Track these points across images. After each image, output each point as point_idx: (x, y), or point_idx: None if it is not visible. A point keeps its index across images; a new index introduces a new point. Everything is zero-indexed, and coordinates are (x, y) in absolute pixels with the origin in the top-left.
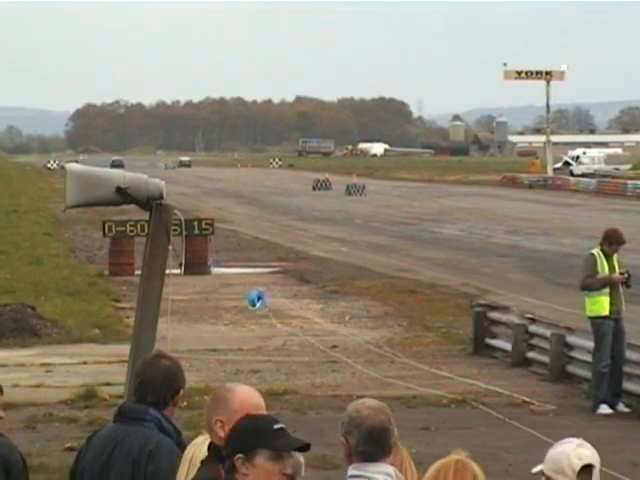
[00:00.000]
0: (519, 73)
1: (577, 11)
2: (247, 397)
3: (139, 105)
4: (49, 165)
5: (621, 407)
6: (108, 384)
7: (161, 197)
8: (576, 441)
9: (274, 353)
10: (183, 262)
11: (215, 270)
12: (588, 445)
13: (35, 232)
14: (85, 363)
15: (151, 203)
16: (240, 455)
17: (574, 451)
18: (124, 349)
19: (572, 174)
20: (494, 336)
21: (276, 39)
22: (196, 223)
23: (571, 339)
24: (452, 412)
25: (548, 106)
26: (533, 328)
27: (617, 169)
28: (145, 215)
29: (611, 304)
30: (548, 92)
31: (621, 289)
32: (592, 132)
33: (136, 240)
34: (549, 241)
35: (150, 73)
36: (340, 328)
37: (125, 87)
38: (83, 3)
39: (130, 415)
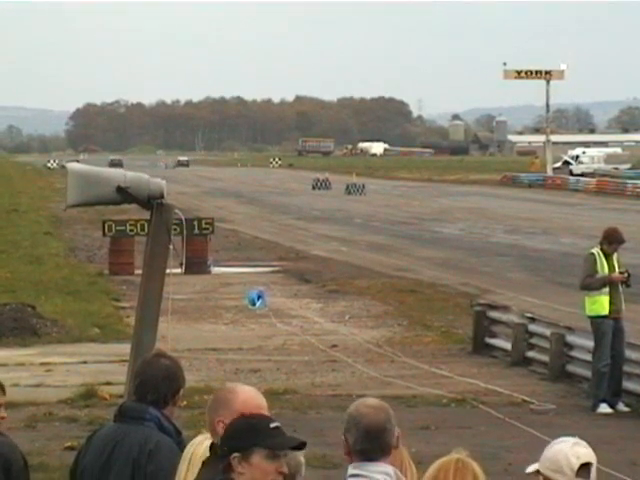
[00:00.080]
0: (519, 72)
1: (577, 11)
2: (249, 397)
3: (139, 105)
4: (49, 165)
5: (621, 406)
6: (108, 383)
7: (162, 196)
8: (572, 440)
9: (274, 352)
10: (184, 261)
11: (215, 269)
12: (584, 443)
13: (35, 231)
14: (85, 362)
15: (152, 202)
16: (236, 454)
17: (571, 450)
18: (124, 348)
19: (572, 173)
20: (494, 335)
21: (276, 39)
22: (196, 222)
23: (571, 338)
24: (452, 411)
25: (548, 105)
26: (533, 327)
27: (616, 168)
28: (145, 214)
29: (611, 303)
30: (548, 91)
31: (621, 288)
32: (592, 131)
33: (136, 239)
34: (549, 240)
35: (150, 73)
36: (340, 327)
37: (125, 87)
38: (83, 3)
39: (130, 414)
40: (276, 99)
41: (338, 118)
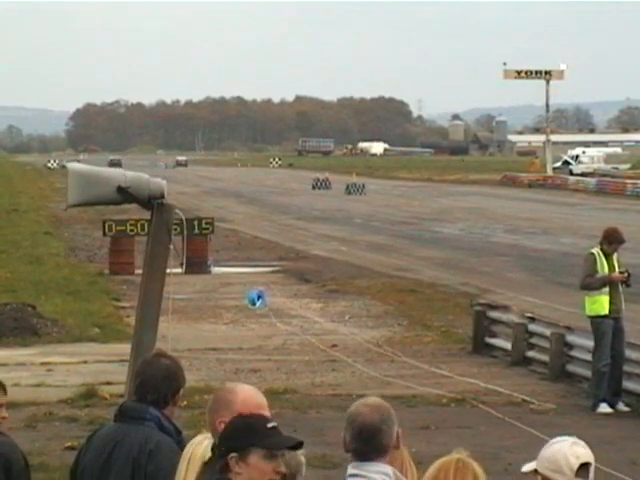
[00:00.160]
0: (519, 72)
1: (577, 11)
2: (249, 397)
3: (139, 105)
4: (49, 164)
5: (621, 406)
6: (108, 383)
7: (162, 196)
8: (570, 439)
9: (274, 352)
10: (184, 261)
11: (215, 269)
12: (582, 443)
13: (35, 231)
14: (85, 362)
15: (152, 202)
16: (234, 454)
17: (570, 449)
18: (124, 348)
19: (571, 173)
20: (494, 335)
21: (276, 39)
22: (196, 222)
23: (571, 338)
24: (452, 411)
25: (547, 105)
26: (533, 327)
27: (616, 168)
28: (145, 214)
29: (611, 303)
30: (547, 91)
31: (621, 288)
32: (591, 131)
33: (136, 239)
34: (549, 240)
35: (150, 73)
36: (340, 327)
37: (125, 87)
38: (83, 3)
39: (130, 414)
40: (276, 99)
41: (338, 118)
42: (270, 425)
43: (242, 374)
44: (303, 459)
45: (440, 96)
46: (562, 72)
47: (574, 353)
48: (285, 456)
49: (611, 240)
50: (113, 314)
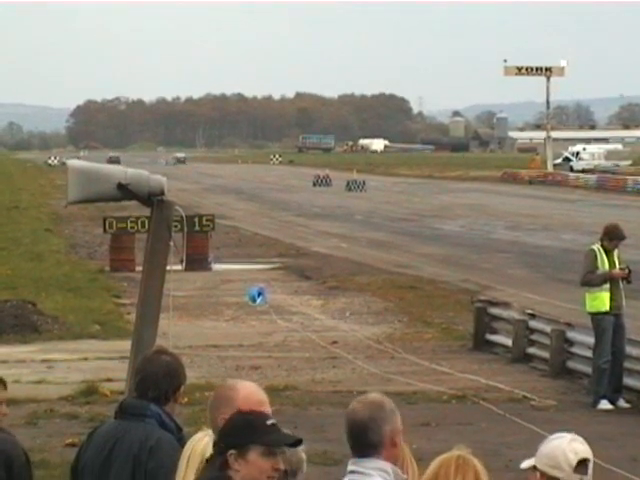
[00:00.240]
0: (519, 69)
1: (577, 7)
2: (250, 393)
3: (140, 101)
4: (50, 161)
5: (621, 403)
6: (109, 380)
7: (162, 193)
8: (569, 436)
9: (275, 349)
10: (184, 258)
11: (216, 266)
12: (581, 439)
13: (36, 228)
14: (86, 359)
15: (152, 199)
16: (233, 451)
17: (569, 446)
18: (125, 345)
19: (572, 170)
20: (494, 332)
21: (276, 35)
22: (197, 219)
23: (571, 335)
24: (453, 408)
25: (548, 102)
26: (533, 324)
27: (617, 165)
28: (146, 211)
29: (611, 300)
30: (548, 88)
31: (621, 285)
32: (592, 128)
33: (137, 236)
34: (549, 237)
35: (150, 69)
36: (340, 324)
37: (125, 83)
38: (83, 1)
39: (131, 411)
40: (276, 96)
41: (339, 115)
42: (269, 422)
43: (243, 371)
44: (304, 456)
45: (441, 93)
46: (563, 69)
47: (575, 350)
48: (286, 453)
49: (612, 236)
50: (113, 311)
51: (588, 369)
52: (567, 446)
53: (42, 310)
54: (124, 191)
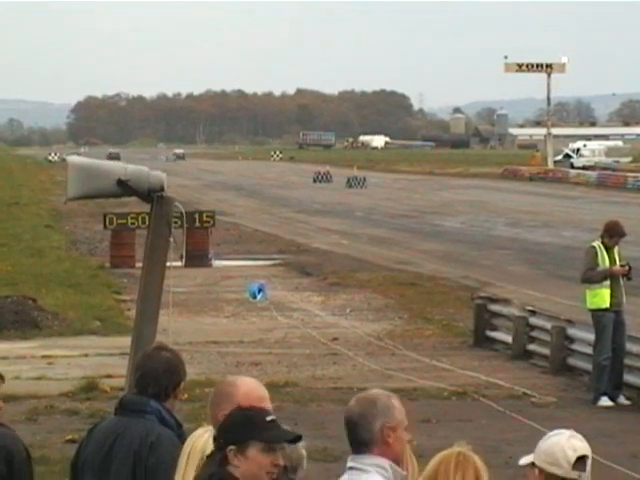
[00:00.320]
0: (520, 66)
1: (578, 4)
2: (250, 389)
3: (140, 98)
4: (50, 157)
5: (622, 400)
6: (109, 376)
7: (162, 189)
8: (567, 432)
9: (275, 345)
10: (184, 254)
11: (216, 262)
12: (580, 436)
13: (36, 224)
14: (86, 355)
15: (152, 195)
16: (232, 447)
17: (568, 442)
18: (125, 341)
19: (572, 167)
20: (495, 328)
21: (277, 32)
22: (197, 215)
23: (572, 331)
24: (453, 404)
25: (549, 99)
26: (534, 320)
27: (617, 162)
28: (146, 207)
29: (612, 297)
30: (549, 85)
31: (622, 281)
32: (592, 125)
33: (137, 232)
34: (550, 234)
35: (151, 66)
36: (341, 320)
37: (126, 80)
38: None
39: (131, 407)
40: (277, 92)
41: (339, 111)
42: (269, 418)
43: (243, 367)
44: (304, 452)
45: (441, 89)
46: (563, 65)
47: (575, 346)
48: (286, 449)
49: (612, 233)
50: (114, 307)
51: (588, 366)
52: (566, 443)
53: (42, 306)
54: (124, 187)
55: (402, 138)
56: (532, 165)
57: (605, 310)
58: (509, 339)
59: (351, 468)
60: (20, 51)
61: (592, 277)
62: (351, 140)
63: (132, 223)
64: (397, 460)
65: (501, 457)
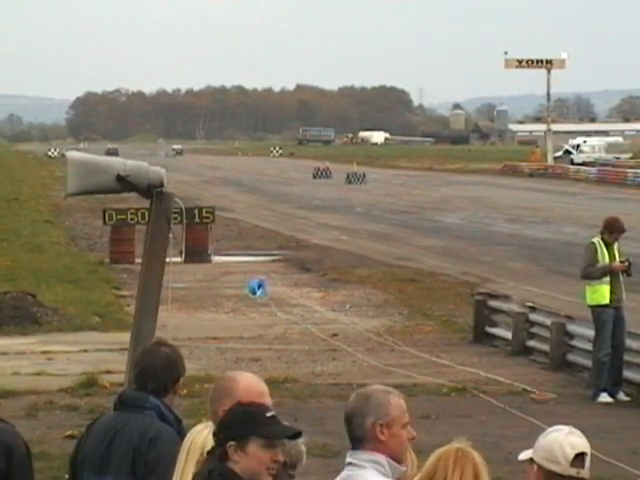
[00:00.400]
0: (520, 62)
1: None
2: (250, 385)
3: (140, 93)
4: (50, 153)
5: (621, 396)
6: (108, 372)
7: (161, 185)
8: (566, 429)
9: (275, 341)
10: (184, 250)
11: (216, 258)
12: (578, 433)
13: (36, 220)
14: (86, 351)
15: (152, 191)
16: (232, 443)
17: (566, 439)
18: (124, 337)
19: (572, 163)
20: (494, 324)
21: (276, 27)
22: (197, 211)
23: (571, 328)
24: (452, 400)
25: (549, 95)
26: (533, 317)
27: (617, 158)
28: (146, 203)
29: (611, 293)
30: (549, 81)
31: (621, 278)
32: (592, 121)
33: (137, 228)
34: (550, 230)
35: (151, 61)
36: (340, 316)
37: (126, 75)
38: None
39: (130, 403)
40: (277, 88)
41: (339, 107)
42: (269, 414)
43: (243, 363)
44: (304, 448)
45: (441, 85)
46: (563, 61)
47: (575, 342)
48: (285, 445)
49: (612, 229)
50: (113, 303)
51: (588, 362)
52: (564, 439)
53: (42, 302)
54: (123, 183)
55: (402, 134)
56: (532, 161)
57: (605, 306)
58: (509, 335)
59: (350, 463)
60: (20, 47)
61: (592, 273)
62: (351, 136)
63: (132, 219)
64: (395, 457)
65: (500, 453)
